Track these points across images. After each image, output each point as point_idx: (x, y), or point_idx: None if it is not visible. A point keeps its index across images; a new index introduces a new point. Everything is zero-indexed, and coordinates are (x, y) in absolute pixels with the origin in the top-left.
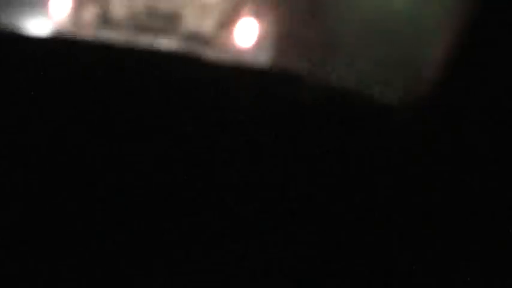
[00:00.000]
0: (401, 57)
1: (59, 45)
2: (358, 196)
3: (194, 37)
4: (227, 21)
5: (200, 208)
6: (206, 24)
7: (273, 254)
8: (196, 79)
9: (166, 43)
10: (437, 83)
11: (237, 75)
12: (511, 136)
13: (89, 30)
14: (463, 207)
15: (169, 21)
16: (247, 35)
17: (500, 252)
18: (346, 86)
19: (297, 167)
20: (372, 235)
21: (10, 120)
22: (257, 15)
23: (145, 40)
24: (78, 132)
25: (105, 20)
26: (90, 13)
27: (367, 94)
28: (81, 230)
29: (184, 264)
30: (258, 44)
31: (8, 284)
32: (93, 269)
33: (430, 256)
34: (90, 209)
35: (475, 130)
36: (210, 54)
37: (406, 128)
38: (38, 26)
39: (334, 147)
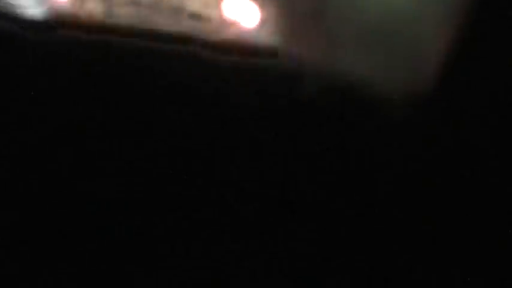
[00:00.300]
0: (402, 53)
1: (62, 33)
2: (358, 193)
3: (196, 18)
4: (229, 2)
5: (199, 206)
6: (209, 6)
7: (273, 251)
8: (197, 61)
9: (168, 25)
10: (437, 79)
11: (239, 56)
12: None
13: (92, 16)
14: (463, 206)
15: (173, 4)
16: (249, 16)
17: (500, 252)
18: (347, 73)
19: (296, 163)
20: (372, 233)
21: (11, 112)
22: None
23: (146, 23)
24: (83, 123)
25: (108, 4)
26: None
27: (367, 84)
28: (82, 228)
29: (183, 262)
30: (260, 26)
31: (8, 284)
32: (93, 268)
33: (430, 256)
34: (90, 206)
35: (476, 126)
36: (212, 35)
37: (406, 125)
38: (39, 15)
39: (332, 140)
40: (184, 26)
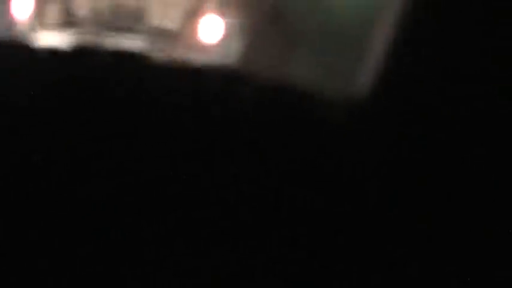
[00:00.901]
0: (368, 55)
1: (21, 45)
2: (350, 196)
3: (159, 34)
4: (193, 17)
5: (198, 207)
6: (171, 21)
7: (270, 255)
8: (161, 76)
9: (131, 40)
10: (404, 79)
11: (203, 71)
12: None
13: (52, 29)
14: (463, 206)
15: (134, 18)
16: (213, 31)
17: (500, 252)
18: (310, 83)
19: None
20: (370, 233)
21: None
22: (222, 11)
23: (110, 38)
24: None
25: (69, 18)
26: (53, 12)
27: (330, 93)
28: (80, 230)
29: (181, 264)
30: (224, 41)
31: (8, 284)
32: (91, 270)
33: (429, 255)
34: (88, 208)
35: (468, 124)
36: (175, 51)
37: (374, 125)
38: None
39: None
40: (148, 39)
